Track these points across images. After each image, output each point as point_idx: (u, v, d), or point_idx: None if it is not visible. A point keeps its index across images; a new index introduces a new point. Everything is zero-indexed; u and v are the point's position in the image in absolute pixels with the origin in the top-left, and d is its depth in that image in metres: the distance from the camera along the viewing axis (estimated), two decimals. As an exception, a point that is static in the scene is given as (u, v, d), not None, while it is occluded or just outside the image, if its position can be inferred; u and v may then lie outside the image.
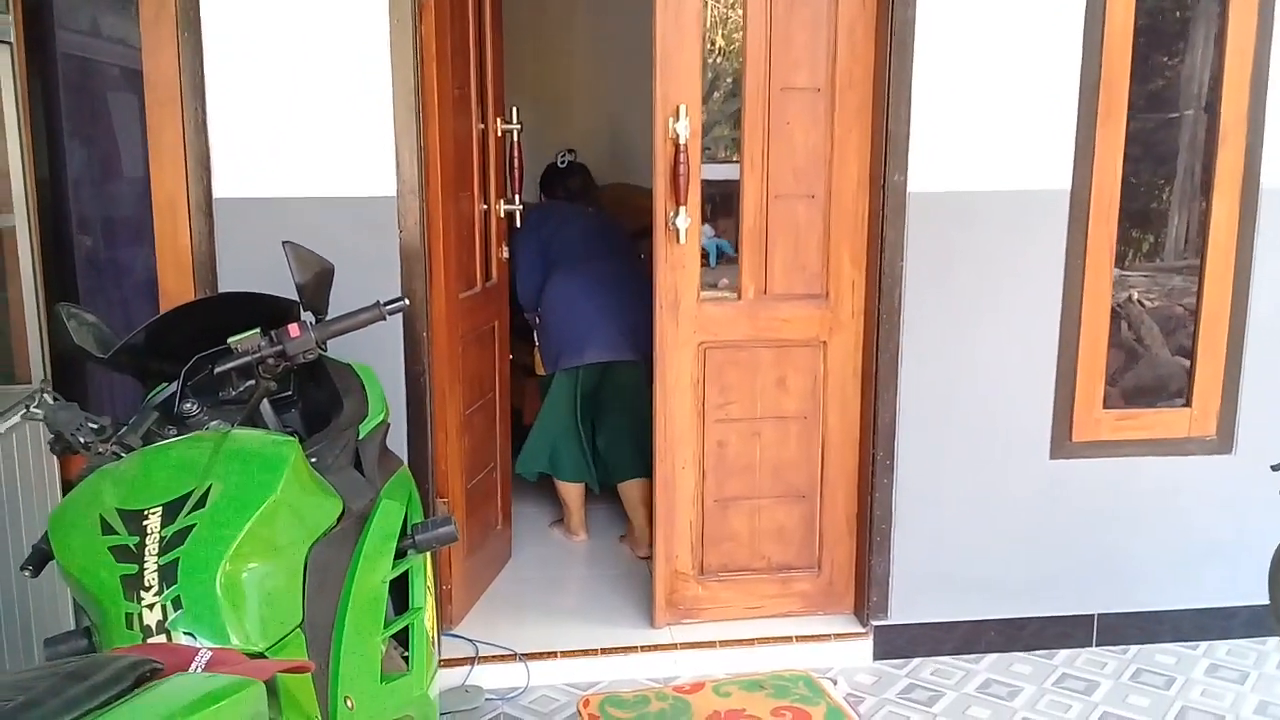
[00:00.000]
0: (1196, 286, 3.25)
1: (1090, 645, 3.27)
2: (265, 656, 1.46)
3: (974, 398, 3.10)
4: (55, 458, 2.62)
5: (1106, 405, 3.20)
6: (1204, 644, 3.30)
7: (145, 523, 1.50)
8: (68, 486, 2.67)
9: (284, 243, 1.97)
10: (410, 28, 2.76)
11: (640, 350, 3.65)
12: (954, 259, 3.04)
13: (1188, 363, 3.31)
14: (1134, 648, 3.27)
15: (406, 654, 2.04)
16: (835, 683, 3.03)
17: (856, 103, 3.03)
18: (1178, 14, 3.50)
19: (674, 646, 3.15)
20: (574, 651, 3.11)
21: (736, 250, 3.16)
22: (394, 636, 1.98)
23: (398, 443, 2.76)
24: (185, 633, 1.42)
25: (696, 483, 3.18)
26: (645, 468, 3.44)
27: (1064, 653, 3.24)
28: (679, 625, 3.23)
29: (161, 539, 1.48)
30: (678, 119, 2.94)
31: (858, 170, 3.07)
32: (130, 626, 1.42)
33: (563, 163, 4.29)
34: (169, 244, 2.79)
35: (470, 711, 2.90)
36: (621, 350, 3.80)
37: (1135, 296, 3.67)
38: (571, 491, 4.01)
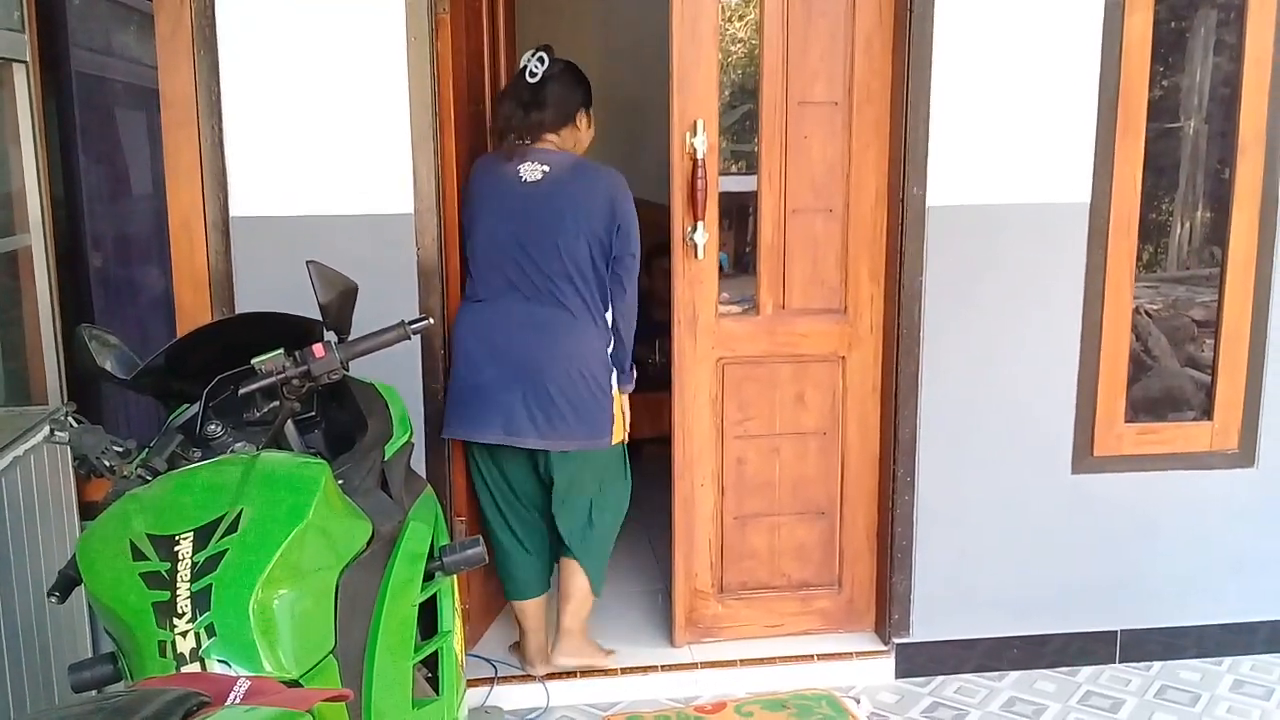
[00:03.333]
0: (1206, 295, 3.23)
1: (1114, 662, 3.24)
2: (300, 683, 1.43)
3: (995, 413, 3.08)
4: (73, 480, 2.61)
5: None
6: (1228, 659, 3.27)
7: (176, 548, 1.48)
8: (85, 509, 2.64)
9: (308, 262, 1.95)
10: (426, 44, 2.75)
11: (576, 435, 2.84)
12: (974, 273, 3.02)
13: (1197, 374, 3.30)
14: (1157, 664, 3.24)
15: (429, 675, 2.01)
16: (858, 701, 3.00)
17: (874, 116, 3.02)
18: (1194, 26, 3.50)
19: (694, 666, 3.12)
20: (593, 671, 3.08)
21: (752, 264, 3.15)
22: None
23: (415, 462, 2.73)
24: (219, 660, 1.40)
25: (715, 500, 3.16)
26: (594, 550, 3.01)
27: (1087, 669, 3.21)
28: (699, 644, 3.20)
29: (193, 565, 1.45)
30: (695, 133, 2.93)
31: (876, 184, 3.05)
32: (163, 654, 1.39)
33: (533, 74, 2.89)
34: (186, 263, 2.77)
35: (490, 733, 2.88)
36: (529, 432, 2.82)
37: (1142, 307, 3.66)
38: (525, 610, 3.04)
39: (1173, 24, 3.51)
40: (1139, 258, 3.39)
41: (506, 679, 3.05)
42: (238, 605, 1.42)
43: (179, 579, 1.44)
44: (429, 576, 1.92)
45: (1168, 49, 3.47)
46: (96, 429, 1.78)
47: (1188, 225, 3.83)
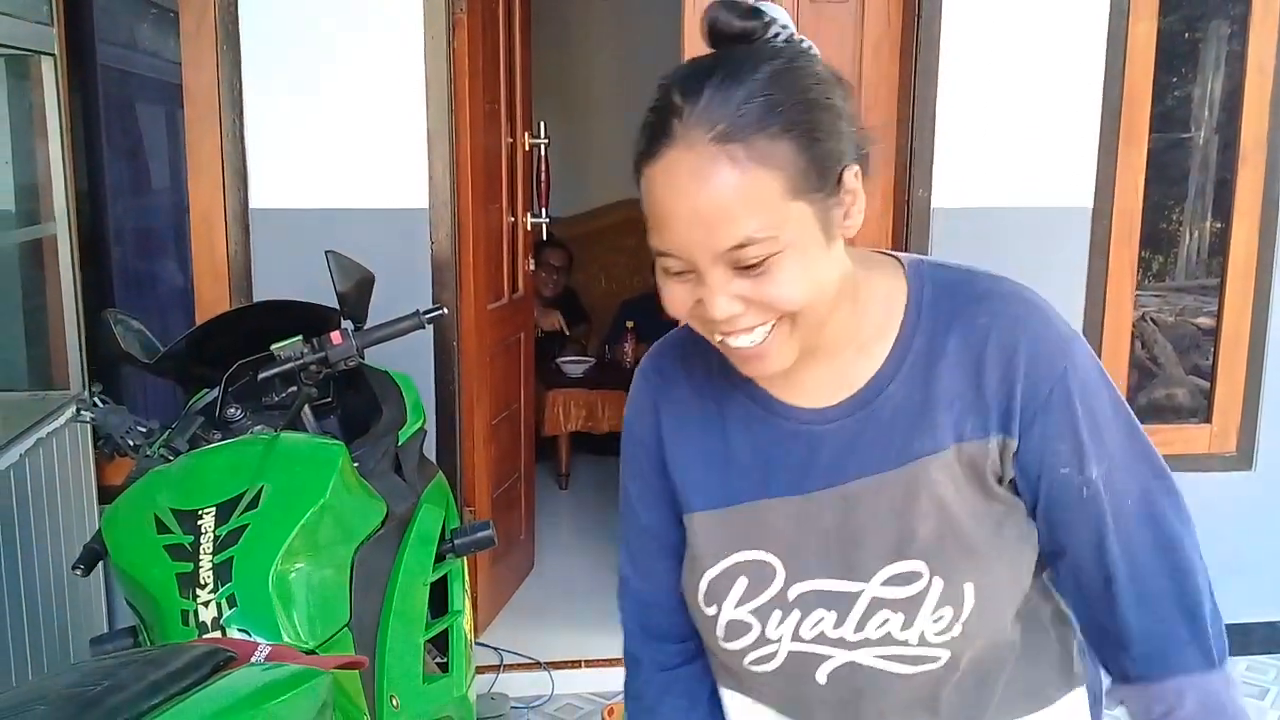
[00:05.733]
0: (1214, 304, 3.28)
1: (1111, 660, 3.27)
2: (316, 654, 1.49)
3: (996, 412, 3.11)
4: (93, 463, 2.68)
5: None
6: (1224, 660, 3.30)
7: (199, 522, 1.54)
8: (104, 492, 2.71)
9: (327, 252, 2.01)
10: (444, 43, 2.81)
11: None
12: (977, 274, 3.06)
13: (1202, 382, 3.34)
14: (1154, 663, 3.27)
15: (440, 659, 2.07)
16: (857, 694, 3.04)
17: (881, 120, 3.06)
18: (1198, 35, 3.54)
19: (697, 656, 3.16)
20: (598, 660, 3.13)
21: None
22: (427, 640, 2.01)
23: (427, 448, 2.79)
24: (240, 630, 1.46)
25: (720, 494, 3.20)
26: None
27: (1084, 667, 3.25)
28: (701, 636, 3.25)
29: (216, 538, 1.52)
30: (705, 134, 2.98)
31: (882, 186, 3.10)
32: (186, 623, 1.46)
33: None
34: (205, 254, 2.83)
35: (497, 719, 2.92)
36: None
37: (1150, 315, 3.71)
38: None
39: (1186, 34, 3.55)
40: (1149, 266, 3.44)
41: (512, 667, 3.11)
42: (258, 577, 1.48)
43: (202, 551, 1.50)
44: (440, 558, 1.98)
45: (1178, 60, 3.52)
46: (121, 409, 1.85)
47: (1196, 235, 3.87)
